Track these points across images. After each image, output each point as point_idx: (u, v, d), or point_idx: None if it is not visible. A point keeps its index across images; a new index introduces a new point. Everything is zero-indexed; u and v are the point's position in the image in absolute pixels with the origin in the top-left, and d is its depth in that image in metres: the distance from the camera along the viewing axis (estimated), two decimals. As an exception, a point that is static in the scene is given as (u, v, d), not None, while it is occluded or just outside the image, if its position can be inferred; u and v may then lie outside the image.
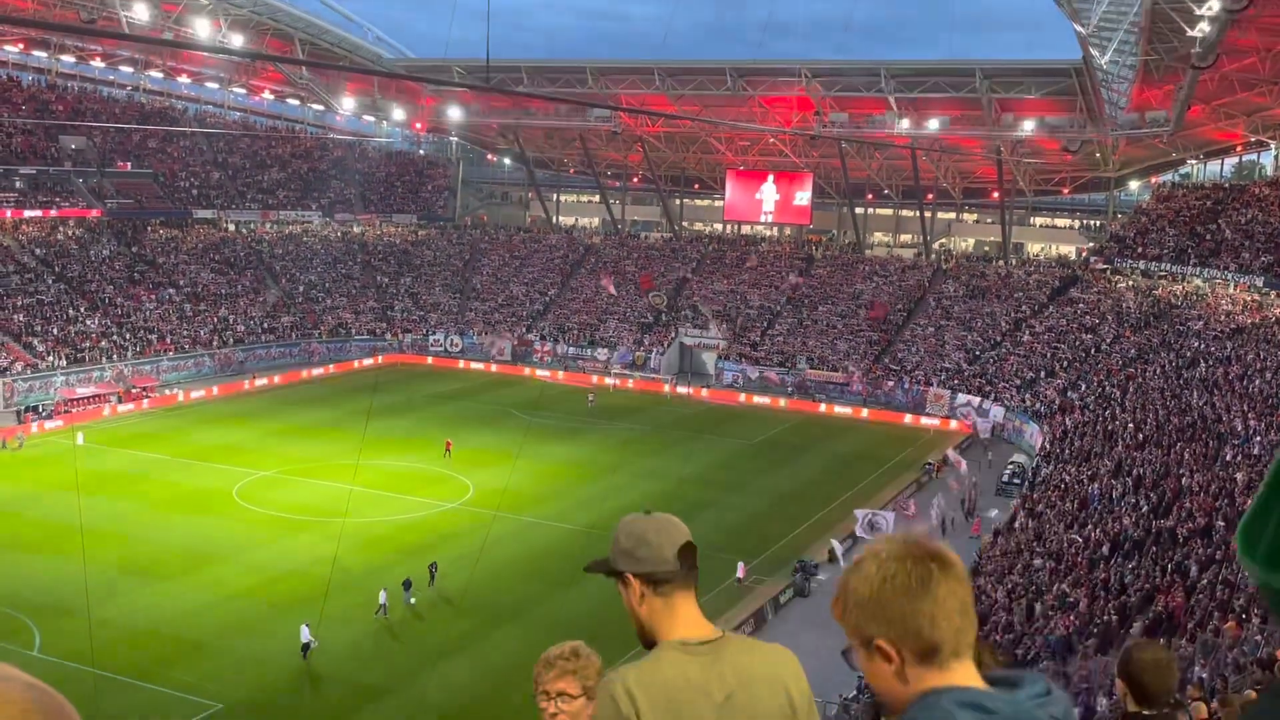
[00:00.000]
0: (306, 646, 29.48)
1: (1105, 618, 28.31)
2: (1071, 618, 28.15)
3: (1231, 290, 60.13)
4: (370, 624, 31.84)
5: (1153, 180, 78.69)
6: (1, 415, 55.61)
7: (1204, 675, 20.29)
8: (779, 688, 2.49)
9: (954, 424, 62.17)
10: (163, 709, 26.71)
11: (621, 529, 2.74)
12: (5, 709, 1.05)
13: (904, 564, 1.80)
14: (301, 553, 37.34)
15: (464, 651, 30.46)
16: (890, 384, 67.68)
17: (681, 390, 70.23)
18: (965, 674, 1.77)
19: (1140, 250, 67.09)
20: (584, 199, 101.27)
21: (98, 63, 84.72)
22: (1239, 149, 70.49)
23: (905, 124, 71.67)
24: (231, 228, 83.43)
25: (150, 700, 27.01)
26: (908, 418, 64.08)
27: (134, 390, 61.62)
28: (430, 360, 77.38)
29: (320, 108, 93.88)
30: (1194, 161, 74.51)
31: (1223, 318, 56.08)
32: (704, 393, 70.05)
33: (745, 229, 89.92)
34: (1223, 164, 76.70)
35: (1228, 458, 36.19)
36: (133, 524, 39.56)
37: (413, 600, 33.39)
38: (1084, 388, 57.05)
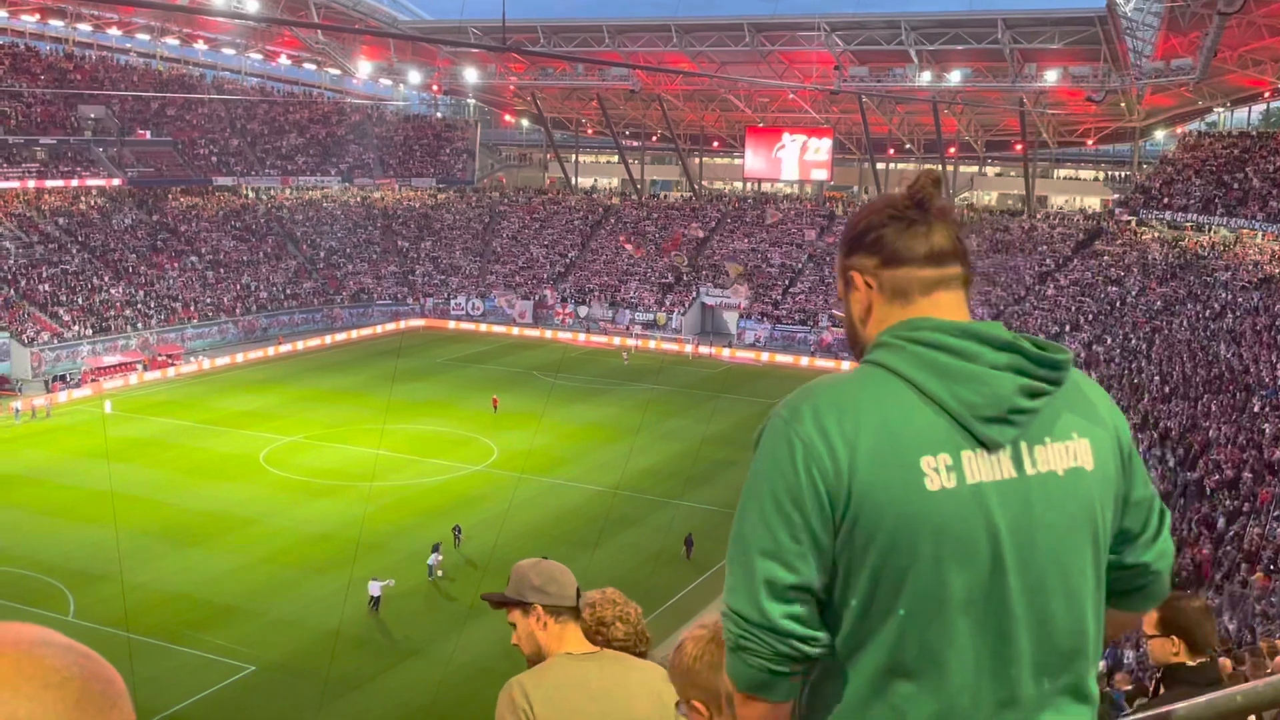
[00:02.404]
0: (376, 600, 30.79)
1: (1132, 571, 28.22)
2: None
3: (1259, 240, 59.37)
4: (399, 586, 32.10)
5: (1178, 129, 77.56)
6: (30, 384, 56.19)
7: (1231, 627, 20.28)
8: (650, 691, 2.97)
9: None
10: (196, 671, 27.14)
11: (531, 570, 3.39)
12: (49, 676, 1.04)
13: (710, 646, 2.42)
14: (329, 516, 37.70)
15: (491, 613, 30.61)
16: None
17: (703, 350, 70.17)
18: None
19: (1166, 201, 66.26)
20: (603, 159, 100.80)
21: (114, 31, 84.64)
22: (1267, 96, 69.32)
23: (927, 77, 70.82)
24: (251, 194, 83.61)
25: (184, 663, 27.44)
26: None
27: (159, 358, 62.12)
28: (452, 324, 77.56)
29: (337, 72, 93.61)
30: (1221, 109, 73.35)
31: (1250, 267, 55.38)
32: (725, 352, 69.98)
33: (766, 187, 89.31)
34: (1250, 112, 75.49)
35: (1255, 409, 35.90)
36: (162, 490, 40.01)
37: (439, 562, 33.59)
38: (1110, 341, 56.61)
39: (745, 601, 1.83)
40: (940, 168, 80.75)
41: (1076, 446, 1.89)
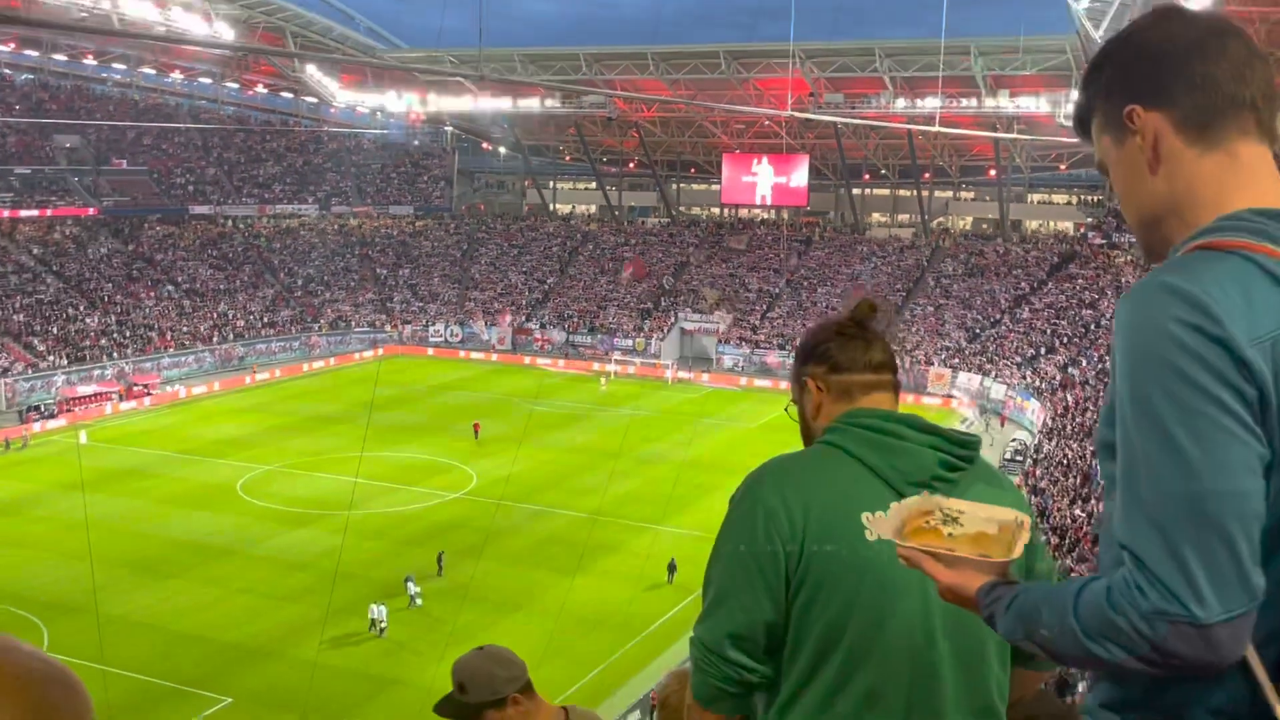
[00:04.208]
0: (380, 625, 30.90)
1: (1110, 592, 28.30)
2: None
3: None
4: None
5: (1150, 154, 78.34)
6: (3, 415, 55.66)
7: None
8: None
9: (955, 404, 62.20)
10: (174, 703, 26.83)
11: (490, 663, 3.15)
12: (8, 682, 1.05)
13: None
14: (307, 545, 37.44)
15: (472, 640, 30.36)
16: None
17: (683, 375, 70.24)
18: None
19: (1138, 224, 66.86)
20: (580, 186, 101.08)
21: (90, 60, 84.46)
22: (1236, 120, 70.19)
23: (901, 103, 71.48)
24: (228, 223, 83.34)
25: (161, 695, 27.13)
26: (909, 398, 64.04)
27: (135, 387, 61.65)
28: (430, 351, 77.39)
29: (314, 100, 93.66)
30: (1191, 134, 74.18)
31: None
32: (705, 377, 70.07)
33: (743, 212, 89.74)
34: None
35: (1230, 430, 36.17)
36: (138, 520, 39.65)
37: (419, 592, 33.36)
38: (1084, 363, 57.08)
39: (707, 632, 2.26)
40: (915, 192, 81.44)
41: None
